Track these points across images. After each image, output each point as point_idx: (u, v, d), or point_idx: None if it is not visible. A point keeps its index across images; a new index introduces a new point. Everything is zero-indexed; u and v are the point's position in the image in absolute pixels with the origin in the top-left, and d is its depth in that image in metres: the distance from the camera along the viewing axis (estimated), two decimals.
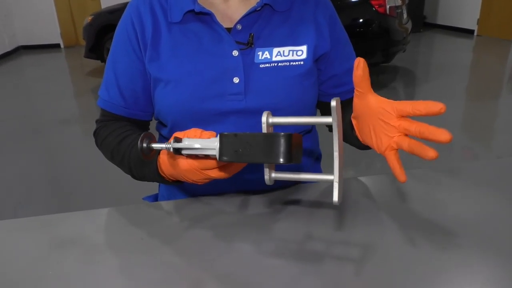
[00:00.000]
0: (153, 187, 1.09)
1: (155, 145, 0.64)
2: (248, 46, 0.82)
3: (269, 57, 0.82)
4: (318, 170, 1.04)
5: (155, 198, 1.09)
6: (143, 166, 0.78)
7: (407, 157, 0.66)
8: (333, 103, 0.54)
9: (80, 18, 8.40)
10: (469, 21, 8.42)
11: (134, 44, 0.84)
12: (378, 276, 0.63)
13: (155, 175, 0.76)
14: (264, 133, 0.56)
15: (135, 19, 0.84)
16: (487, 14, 8.03)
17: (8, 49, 7.98)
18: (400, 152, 0.59)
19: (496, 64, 5.96)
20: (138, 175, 0.82)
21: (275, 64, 0.82)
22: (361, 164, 3.04)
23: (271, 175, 0.60)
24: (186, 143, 0.63)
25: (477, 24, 8.27)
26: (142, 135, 0.64)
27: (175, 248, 0.72)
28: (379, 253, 0.69)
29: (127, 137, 0.84)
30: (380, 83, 5.16)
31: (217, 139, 0.59)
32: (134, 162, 0.80)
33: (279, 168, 0.61)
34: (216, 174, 0.65)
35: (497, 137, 3.51)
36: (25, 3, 8.21)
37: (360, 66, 0.56)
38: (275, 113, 0.79)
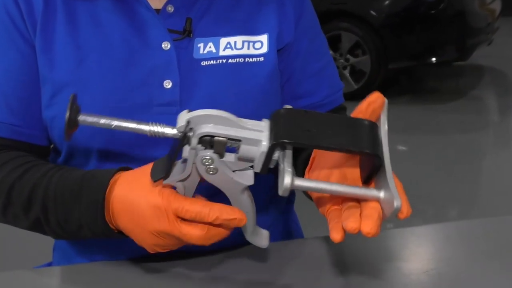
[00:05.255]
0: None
1: (134, 126, 0.52)
2: (185, 35, 0.74)
3: (214, 50, 0.75)
4: (293, 217, 0.97)
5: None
6: (76, 199, 0.66)
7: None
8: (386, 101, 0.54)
9: None
10: None
11: (21, 26, 0.73)
12: None
13: (93, 213, 0.63)
14: (345, 116, 0.57)
15: None
16: None
17: None
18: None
19: None
20: (58, 219, 0.67)
21: (224, 61, 0.75)
22: None
23: (294, 181, 0.50)
24: (207, 130, 0.51)
25: None
26: (73, 94, 0.52)
27: None
28: None
29: (34, 167, 0.71)
30: (455, 90, 4.61)
31: (266, 121, 0.52)
32: (55, 198, 0.67)
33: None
34: (194, 233, 0.56)
35: None
36: None
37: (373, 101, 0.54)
38: None
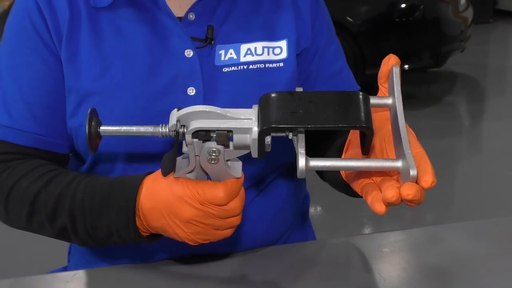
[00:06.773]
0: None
1: (128, 128, 0.54)
2: (207, 42, 0.74)
3: (235, 57, 0.75)
4: (309, 232, 0.95)
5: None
6: (106, 206, 0.65)
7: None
8: (396, 69, 0.53)
9: None
10: None
11: (46, 37, 0.72)
12: None
13: (124, 218, 0.63)
14: (335, 91, 0.54)
15: (42, 1, 0.73)
16: None
17: None
18: None
19: None
20: (86, 227, 0.66)
21: (245, 67, 0.75)
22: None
23: (308, 163, 0.50)
24: (197, 125, 0.52)
25: None
26: (91, 109, 0.54)
27: None
28: None
29: (59, 175, 0.70)
30: (430, 96, 4.67)
31: (256, 107, 0.53)
32: (83, 206, 0.66)
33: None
34: (235, 206, 0.58)
35: None
36: None
37: (389, 62, 0.55)
38: None
